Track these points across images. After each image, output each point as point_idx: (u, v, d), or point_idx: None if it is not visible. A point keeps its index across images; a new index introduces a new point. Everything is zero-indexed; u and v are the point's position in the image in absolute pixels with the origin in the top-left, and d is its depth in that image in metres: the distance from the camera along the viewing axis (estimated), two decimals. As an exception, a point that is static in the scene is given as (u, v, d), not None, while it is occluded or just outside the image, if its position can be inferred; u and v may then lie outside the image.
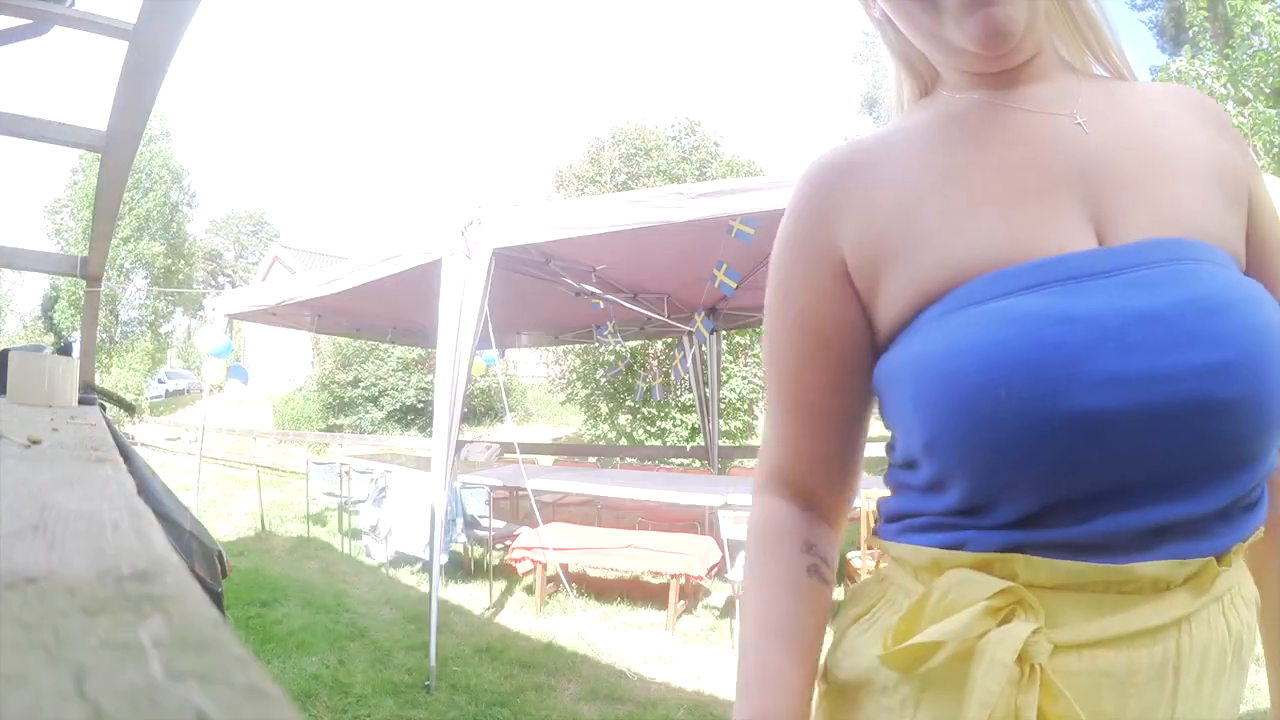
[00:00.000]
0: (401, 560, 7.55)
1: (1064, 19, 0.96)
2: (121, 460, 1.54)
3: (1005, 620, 0.77)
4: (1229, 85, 7.52)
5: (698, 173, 16.96)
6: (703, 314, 9.42)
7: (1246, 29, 7.54)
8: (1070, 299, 0.77)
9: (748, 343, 16.63)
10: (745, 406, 16.47)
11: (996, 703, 0.74)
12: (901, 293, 0.88)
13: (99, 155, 2.22)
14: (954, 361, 0.79)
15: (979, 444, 0.78)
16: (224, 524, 10.18)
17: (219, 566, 2.19)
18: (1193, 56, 8.10)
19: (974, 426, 0.78)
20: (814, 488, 1.01)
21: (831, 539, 1.02)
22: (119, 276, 31.63)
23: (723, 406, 14.09)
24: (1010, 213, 0.86)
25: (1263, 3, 7.44)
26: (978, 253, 0.84)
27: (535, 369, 29.89)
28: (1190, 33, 8.67)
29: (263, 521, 10.07)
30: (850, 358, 0.94)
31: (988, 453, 0.78)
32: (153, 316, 34.78)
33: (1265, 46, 7.38)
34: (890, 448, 0.98)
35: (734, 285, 7.49)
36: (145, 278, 33.16)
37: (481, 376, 11.22)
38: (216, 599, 2.21)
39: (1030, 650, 0.75)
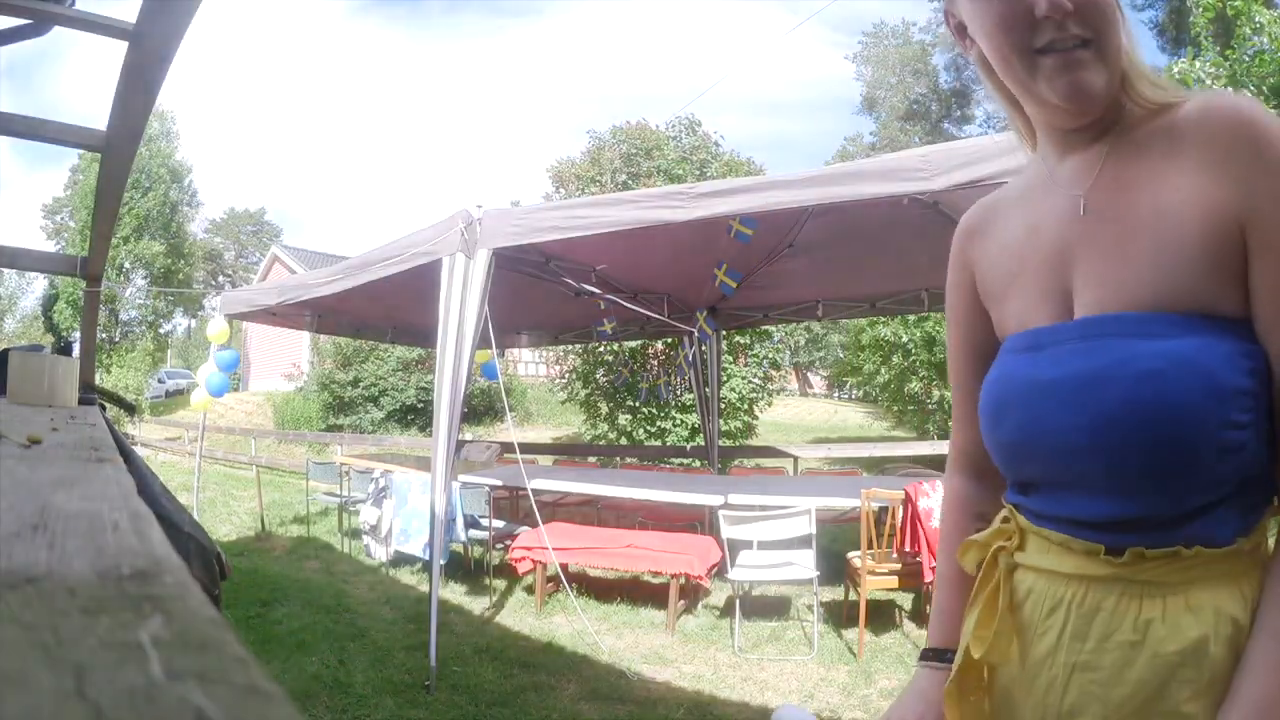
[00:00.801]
0: (401, 560, 7.55)
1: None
2: (121, 460, 1.55)
3: (1004, 542, 1.21)
4: (1230, 86, 7.52)
5: (698, 172, 16.97)
6: (704, 313, 9.43)
7: (1248, 30, 7.54)
8: (1023, 365, 1.17)
9: (747, 342, 16.64)
10: (745, 406, 16.46)
11: (978, 583, 1.24)
12: (997, 328, 1.29)
13: (98, 155, 2.23)
14: (981, 395, 1.24)
15: (986, 443, 1.25)
16: (224, 524, 10.19)
17: (218, 569, 2.19)
18: (1194, 58, 8.11)
19: (982, 434, 1.25)
20: (980, 459, 1.34)
21: (994, 498, 1.33)
22: (119, 276, 31.61)
23: (723, 406, 14.09)
24: (1025, 287, 1.21)
25: (1264, 5, 7.44)
26: (1009, 319, 1.24)
27: (535, 369, 29.97)
28: (1192, 33, 8.66)
29: (263, 521, 10.07)
30: (989, 355, 1.29)
31: (989, 449, 1.24)
32: (153, 316, 34.77)
33: (1266, 48, 7.38)
34: None
35: (734, 285, 7.51)
36: (145, 278, 33.14)
37: (480, 376, 11.19)
38: (215, 602, 2.21)
39: (1000, 558, 1.20)
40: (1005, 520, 1.23)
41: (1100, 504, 1.06)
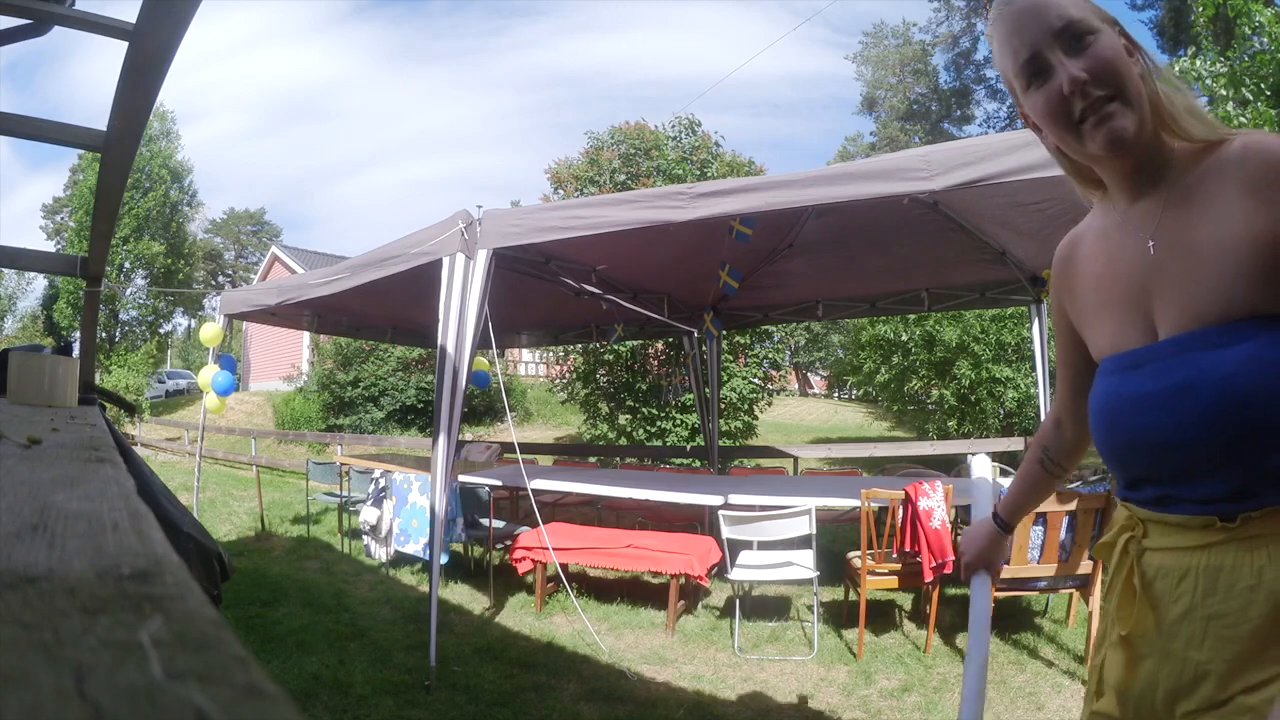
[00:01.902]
0: (401, 560, 7.55)
1: (1157, 111, 1.35)
2: (121, 460, 1.55)
3: (1130, 533, 1.46)
4: (1229, 87, 7.51)
5: (698, 172, 16.94)
6: (710, 314, 9.44)
7: (1248, 30, 7.53)
8: (1128, 383, 1.40)
9: (747, 342, 16.64)
10: (745, 406, 16.45)
11: (1113, 571, 1.49)
12: (1090, 345, 1.56)
13: (98, 155, 2.22)
14: (1089, 411, 1.52)
15: (1100, 450, 1.50)
16: (224, 524, 10.18)
17: (218, 569, 2.19)
18: (1194, 56, 8.10)
19: (1097, 442, 1.52)
20: (1061, 415, 1.81)
21: (1066, 446, 1.84)
22: (119, 276, 31.58)
23: (723, 406, 14.10)
24: (1114, 315, 1.46)
25: (1264, 5, 7.43)
26: (1102, 343, 1.50)
27: (535, 369, 29.98)
28: (1191, 33, 8.66)
29: (263, 521, 10.07)
30: (1079, 359, 1.66)
31: (1103, 455, 1.49)
32: (153, 316, 34.73)
33: (1266, 48, 7.37)
34: None
35: (736, 285, 7.50)
36: (145, 277, 33.10)
37: (489, 370, 11.17)
38: (214, 602, 2.21)
39: (1130, 547, 1.45)
40: (1127, 517, 1.49)
41: (1209, 486, 1.29)
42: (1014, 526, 1.99)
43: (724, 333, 11.17)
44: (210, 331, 9.21)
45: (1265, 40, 7.38)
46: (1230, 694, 1.28)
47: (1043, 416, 7.55)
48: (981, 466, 2.40)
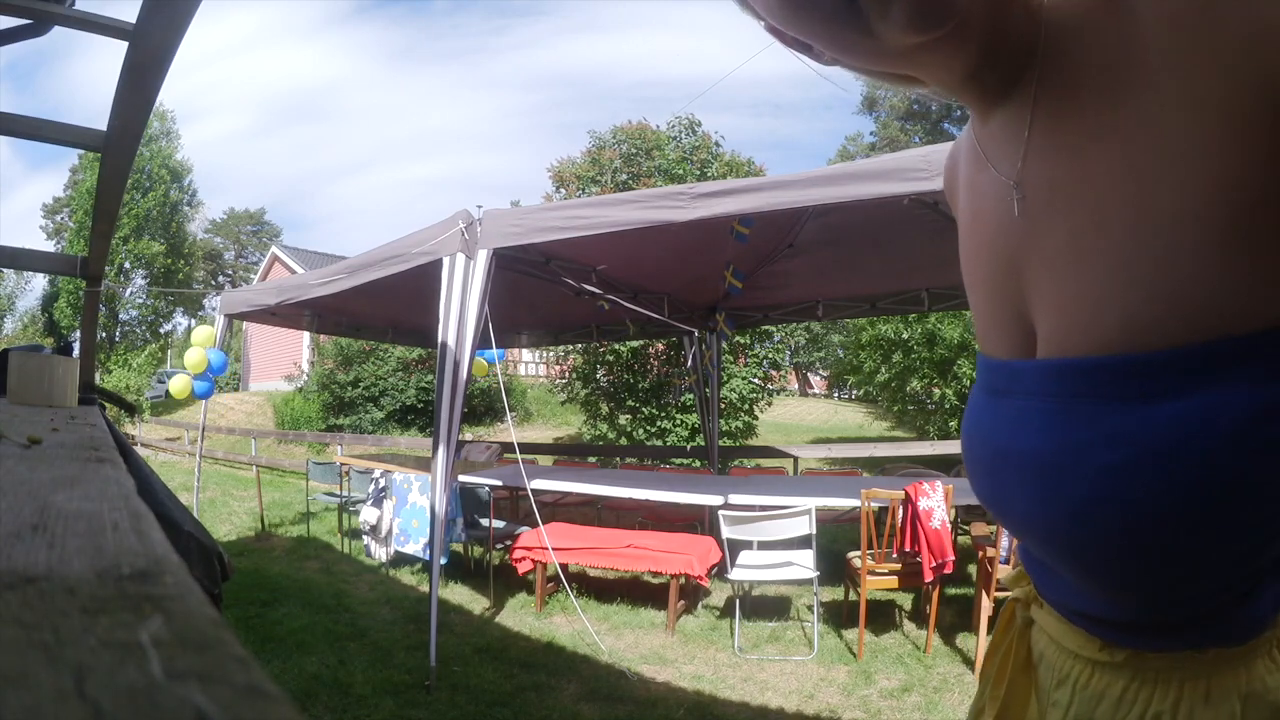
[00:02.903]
0: (401, 560, 7.56)
1: None
2: (121, 460, 1.55)
3: (1020, 597, 1.03)
4: None
5: (698, 172, 16.95)
6: (723, 314, 9.45)
7: None
8: (987, 413, 0.90)
9: (747, 342, 16.64)
10: (745, 406, 16.45)
11: (1002, 629, 1.08)
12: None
13: (98, 155, 2.23)
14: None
15: None
16: (224, 524, 10.19)
17: (219, 568, 2.19)
18: None
19: None
20: None
21: None
22: (118, 276, 31.61)
23: (723, 406, 14.10)
24: (979, 299, 0.93)
25: None
26: (976, 325, 0.96)
27: (535, 369, 29.98)
28: None
29: (263, 521, 10.08)
30: None
31: None
32: (153, 316, 34.77)
33: None
34: None
35: (740, 286, 7.50)
36: (145, 277, 33.13)
37: (484, 378, 11.19)
38: (214, 601, 2.21)
39: (1019, 612, 1.03)
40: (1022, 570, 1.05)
41: (1083, 598, 0.88)
42: None
43: (719, 333, 11.18)
44: (204, 334, 9.26)
45: None
46: None
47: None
48: None
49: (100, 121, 2.14)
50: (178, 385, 9.39)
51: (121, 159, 2.18)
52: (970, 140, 0.91)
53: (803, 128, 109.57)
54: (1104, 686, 0.87)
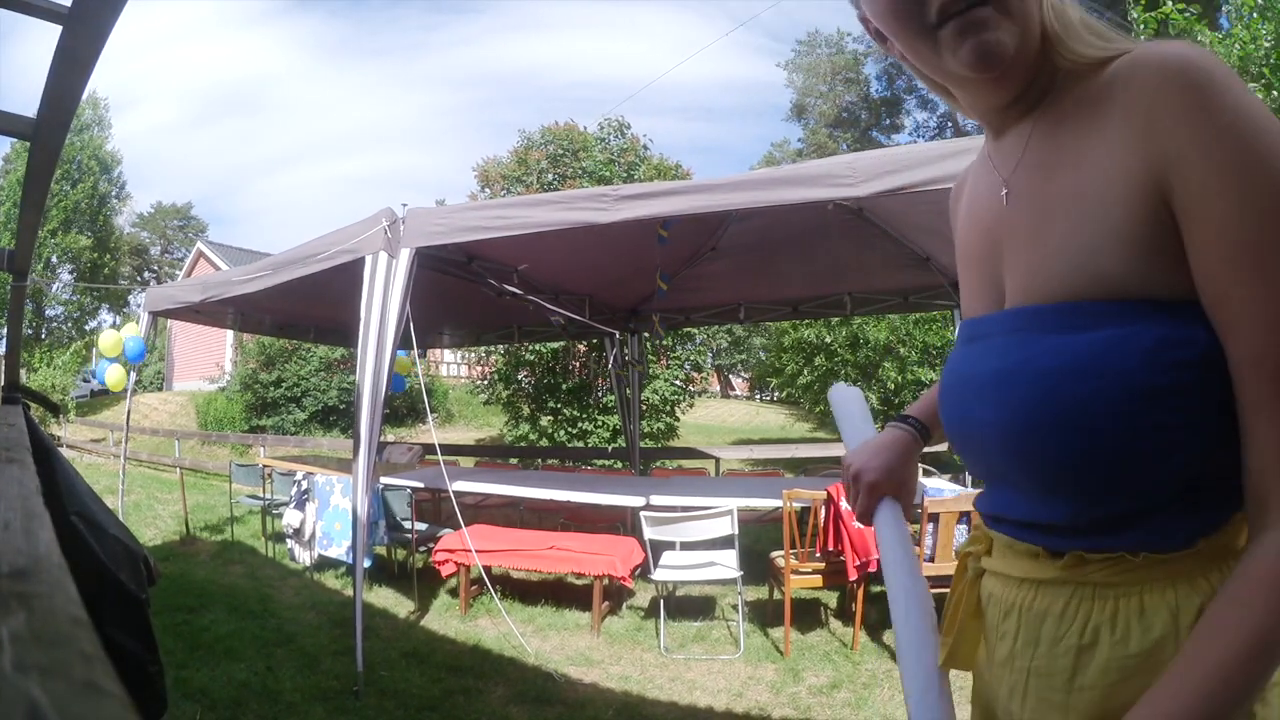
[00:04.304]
0: (325, 564, 7.45)
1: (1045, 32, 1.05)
2: (31, 461, 1.51)
3: (973, 548, 1.21)
4: None
5: (626, 175, 17.00)
6: (657, 315, 9.48)
7: None
8: (960, 357, 1.17)
9: (670, 344, 16.72)
10: (667, 408, 16.55)
11: (954, 584, 1.24)
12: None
13: (27, 145, 2.17)
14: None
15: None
16: (149, 528, 9.96)
17: (145, 573, 2.15)
18: None
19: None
20: None
21: None
22: (44, 271, 30.70)
23: (644, 408, 14.16)
24: (970, 274, 1.20)
25: (1206, 26, 7.61)
26: (964, 304, 1.23)
27: (457, 369, 29.80)
28: None
29: (187, 525, 9.86)
30: None
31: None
32: (78, 313, 33.79)
33: None
34: None
35: (665, 288, 7.54)
36: (71, 272, 32.22)
37: (406, 376, 11.11)
38: (141, 606, 2.17)
39: (969, 564, 1.20)
40: (977, 527, 1.22)
41: (1028, 505, 1.04)
42: (934, 435, 1.45)
43: (646, 335, 11.23)
44: (110, 340, 9.11)
45: None
46: None
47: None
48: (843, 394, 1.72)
49: (30, 109, 2.09)
50: (114, 377, 9.30)
51: (51, 147, 2.13)
52: (984, 153, 1.22)
53: (734, 133, 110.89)
54: (1047, 605, 1.03)
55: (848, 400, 1.66)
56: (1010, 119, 1.12)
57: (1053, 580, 1.02)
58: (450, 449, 13.89)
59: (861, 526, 5.21)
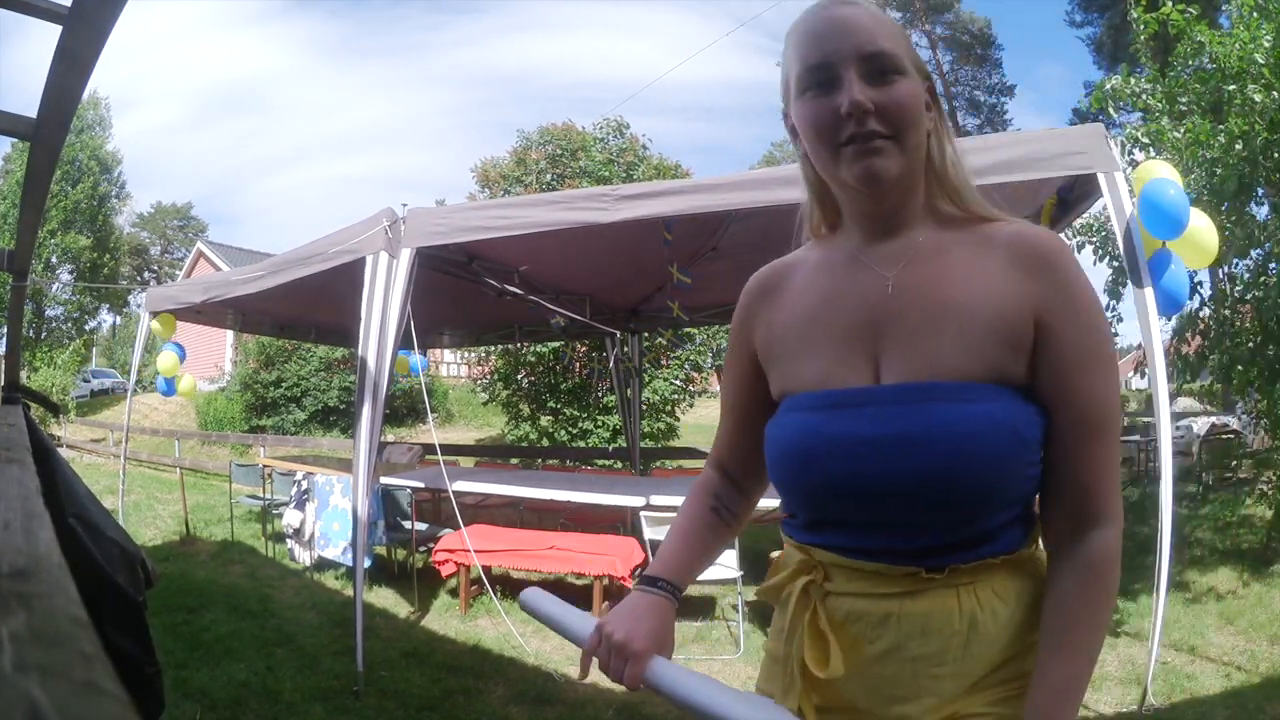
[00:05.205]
0: (325, 564, 7.45)
1: (932, 171, 1.36)
2: (31, 461, 1.51)
3: (809, 577, 1.37)
4: (1166, 103, 7.67)
5: (625, 174, 16.97)
6: (676, 304, 9.46)
7: (1188, 49, 7.66)
8: (826, 421, 1.31)
9: (669, 345, 16.69)
10: (667, 408, 16.52)
11: (793, 615, 1.36)
12: (775, 385, 1.46)
13: (27, 145, 2.17)
14: (773, 444, 1.39)
15: (782, 488, 1.41)
16: (149, 528, 9.98)
17: (143, 575, 2.15)
18: (1129, 74, 8.23)
19: (778, 480, 1.40)
20: (729, 465, 1.66)
21: (736, 496, 1.69)
22: (44, 271, 30.61)
23: (644, 408, 14.14)
24: (826, 352, 1.37)
25: (1206, 25, 7.57)
26: (804, 377, 1.38)
27: (457, 370, 29.78)
28: (1130, 50, 8.78)
29: (187, 525, 9.86)
30: (755, 402, 1.53)
31: (785, 493, 1.42)
32: (78, 313, 33.67)
33: (1206, 66, 7.51)
34: None
35: (688, 281, 7.50)
36: (71, 272, 32.12)
37: (404, 376, 11.13)
38: (138, 608, 2.17)
39: (812, 591, 1.36)
40: (802, 560, 1.41)
41: (917, 539, 1.27)
42: (683, 590, 1.55)
43: (646, 335, 11.22)
44: (168, 362, 9.20)
45: (1206, 59, 7.51)
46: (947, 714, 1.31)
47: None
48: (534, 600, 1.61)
49: (30, 109, 2.08)
50: (186, 385, 9.83)
51: (51, 147, 2.13)
52: (839, 251, 1.44)
53: (734, 133, 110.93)
54: (927, 607, 1.26)
55: (541, 603, 1.60)
56: (887, 228, 1.37)
57: (927, 589, 1.26)
58: (450, 449, 13.85)
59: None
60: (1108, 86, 8.19)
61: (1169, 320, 7.10)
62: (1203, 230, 4.41)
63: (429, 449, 9.47)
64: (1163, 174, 4.32)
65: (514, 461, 13.78)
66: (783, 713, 1.29)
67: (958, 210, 1.36)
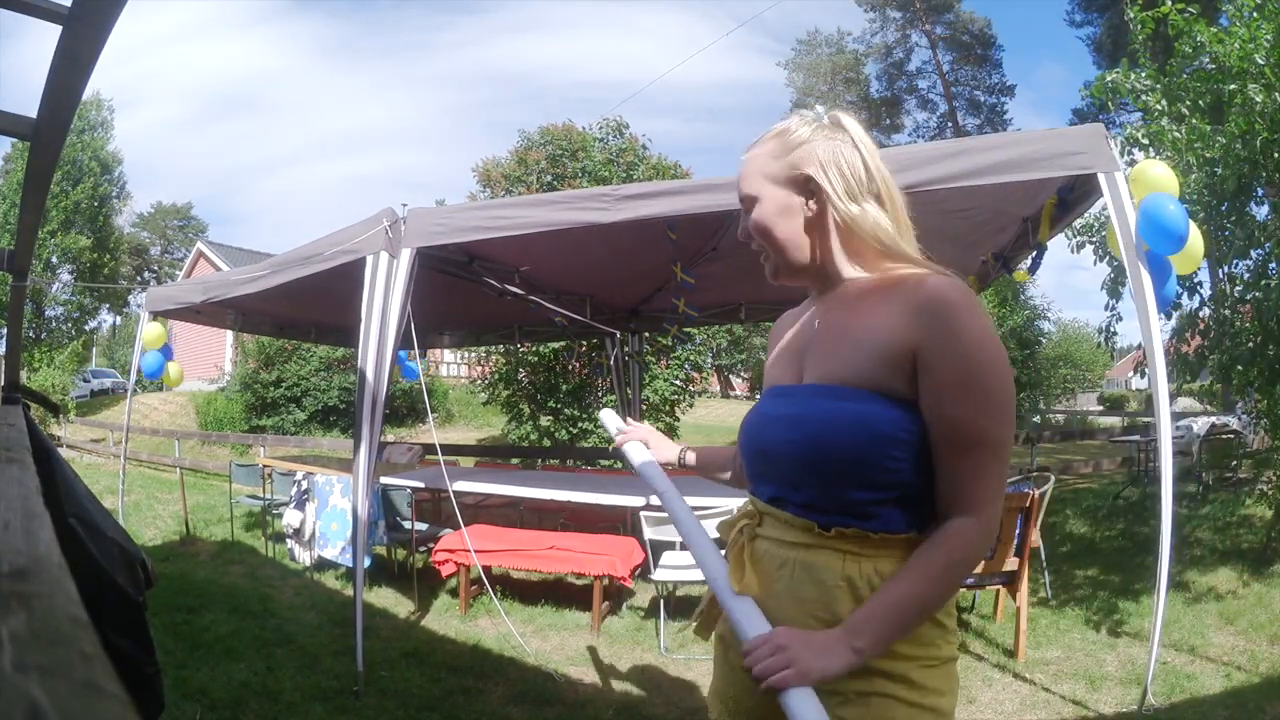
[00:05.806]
0: (325, 564, 7.45)
1: (839, 235, 1.71)
2: (30, 461, 1.51)
3: (749, 520, 1.77)
4: (1165, 100, 7.64)
5: (625, 174, 16.95)
6: (682, 301, 9.45)
7: (1188, 49, 7.62)
8: (768, 404, 1.77)
9: (669, 344, 16.68)
10: (667, 408, 16.49)
11: (733, 543, 1.76)
12: (764, 381, 1.91)
13: (27, 146, 2.17)
14: (744, 421, 1.85)
15: (740, 451, 1.85)
16: (149, 528, 9.98)
17: (143, 575, 2.15)
18: (1128, 71, 8.18)
19: (739, 445, 1.86)
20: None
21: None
22: (44, 271, 30.56)
23: (645, 408, 14.12)
24: (780, 363, 1.84)
25: (1206, 24, 7.54)
26: (769, 378, 1.87)
27: (457, 370, 29.77)
28: (1129, 49, 8.73)
29: (187, 525, 9.87)
30: None
31: (741, 454, 1.84)
32: (78, 313, 33.61)
33: (1206, 66, 7.48)
34: None
35: (691, 280, 7.49)
36: (71, 272, 32.06)
37: (401, 377, 11.13)
38: (137, 609, 2.17)
39: (746, 530, 1.74)
40: (750, 507, 1.80)
41: (801, 495, 1.63)
42: (694, 467, 2.27)
43: (646, 335, 11.21)
44: (154, 332, 9.10)
45: (1206, 59, 7.48)
46: None
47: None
48: (610, 418, 2.39)
49: (30, 109, 2.08)
50: (174, 374, 9.56)
51: (51, 147, 2.12)
52: (808, 303, 1.86)
53: (735, 133, 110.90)
54: (814, 559, 1.59)
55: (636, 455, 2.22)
56: (822, 287, 1.79)
57: (817, 545, 1.59)
58: (450, 449, 13.84)
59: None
60: (1108, 79, 8.15)
61: (1169, 319, 7.09)
62: (1192, 237, 4.41)
63: (429, 449, 9.47)
64: (1158, 173, 4.32)
65: (514, 461, 13.78)
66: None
67: (872, 259, 1.71)
